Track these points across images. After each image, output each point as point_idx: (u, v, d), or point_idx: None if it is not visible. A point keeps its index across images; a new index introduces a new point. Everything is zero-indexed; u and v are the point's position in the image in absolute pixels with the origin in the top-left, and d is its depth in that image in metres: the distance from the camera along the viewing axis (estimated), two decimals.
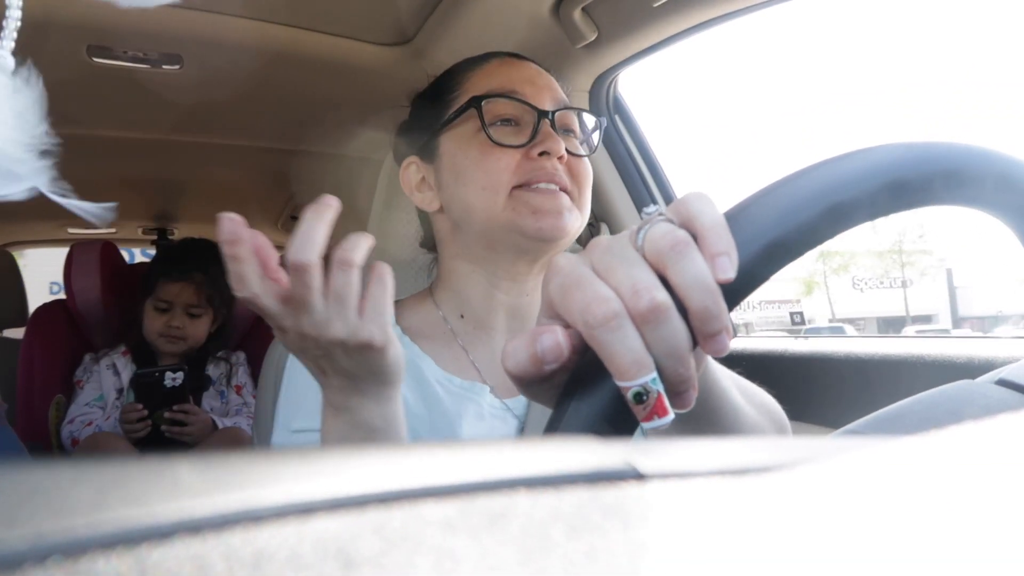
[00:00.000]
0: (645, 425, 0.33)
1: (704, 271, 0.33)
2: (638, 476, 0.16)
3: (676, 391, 0.35)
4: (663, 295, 0.33)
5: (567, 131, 0.81)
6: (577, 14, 1.16)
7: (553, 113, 0.77)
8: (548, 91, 0.80)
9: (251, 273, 0.50)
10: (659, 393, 0.33)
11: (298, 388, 0.73)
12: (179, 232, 2.71)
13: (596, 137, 0.84)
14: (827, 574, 0.12)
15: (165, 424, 1.64)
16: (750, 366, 0.72)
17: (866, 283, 30.66)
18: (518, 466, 0.16)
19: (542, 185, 0.75)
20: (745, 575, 0.12)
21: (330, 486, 0.14)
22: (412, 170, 0.83)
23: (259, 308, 0.51)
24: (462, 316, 0.80)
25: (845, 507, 0.15)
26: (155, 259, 1.91)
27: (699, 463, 0.17)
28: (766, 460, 0.18)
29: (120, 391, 1.76)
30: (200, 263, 1.80)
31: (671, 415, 0.33)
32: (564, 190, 0.76)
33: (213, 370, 1.86)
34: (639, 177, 1.41)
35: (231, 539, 0.12)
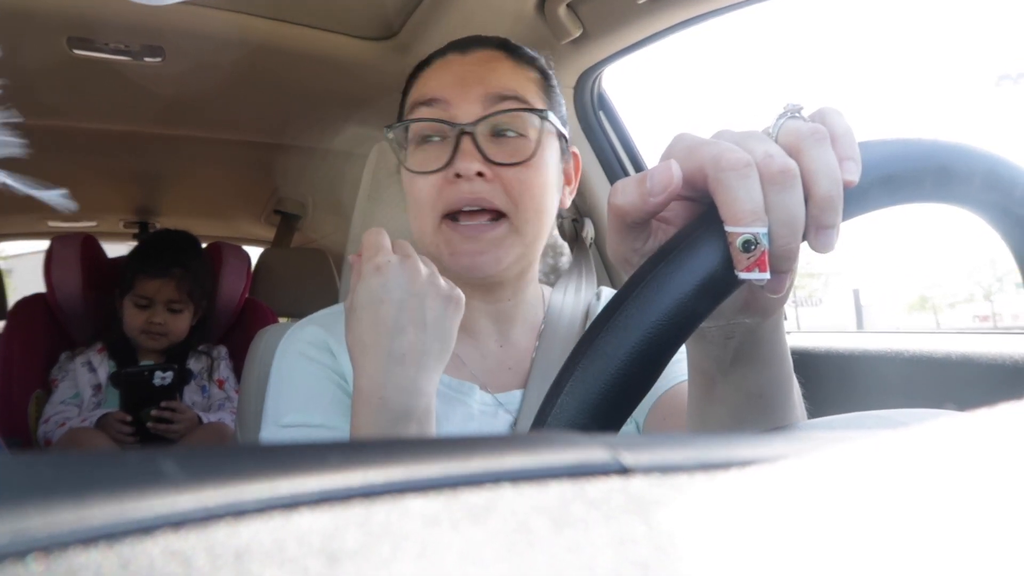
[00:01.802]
0: (743, 275, 0.34)
1: (835, 163, 0.35)
2: (622, 470, 0.16)
3: (778, 268, 0.35)
4: (794, 164, 0.35)
5: (501, 134, 0.71)
6: (562, 10, 1.16)
7: (476, 124, 0.69)
8: (479, 89, 0.71)
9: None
10: (766, 249, 0.34)
11: (288, 383, 0.72)
12: (161, 226, 2.68)
13: (551, 130, 0.74)
14: (810, 567, 0.13)
15: (151, 421, 1.62)
16: None
17: None
18: (502, 460, 0.16)
19: (466, 214, 0.69)
20: (728, 569, 0.12)
21: (313, 480, 0.14)
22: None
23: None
24: None
25: (828, 501, 0.15)
26: (132, 254, 1.83)
27: (682, 457, 0.17)
28: (749, 454, 0.18)
29: (97, 387, 1.73)
30: (179, 257, 1.76)
31: (768, 274, 0.34)
32: (497, 211, 0.70)
33: (194, 364, 1.84)
34: (623, 174, 1.41)
35: (214, 533, 0.12)
